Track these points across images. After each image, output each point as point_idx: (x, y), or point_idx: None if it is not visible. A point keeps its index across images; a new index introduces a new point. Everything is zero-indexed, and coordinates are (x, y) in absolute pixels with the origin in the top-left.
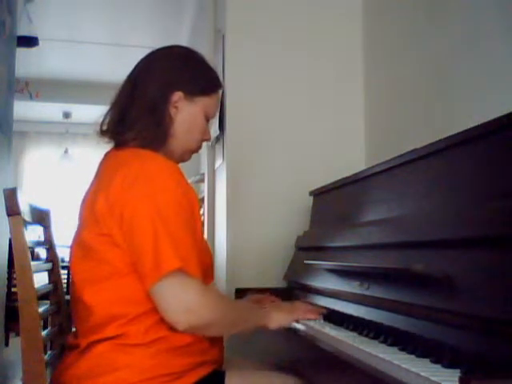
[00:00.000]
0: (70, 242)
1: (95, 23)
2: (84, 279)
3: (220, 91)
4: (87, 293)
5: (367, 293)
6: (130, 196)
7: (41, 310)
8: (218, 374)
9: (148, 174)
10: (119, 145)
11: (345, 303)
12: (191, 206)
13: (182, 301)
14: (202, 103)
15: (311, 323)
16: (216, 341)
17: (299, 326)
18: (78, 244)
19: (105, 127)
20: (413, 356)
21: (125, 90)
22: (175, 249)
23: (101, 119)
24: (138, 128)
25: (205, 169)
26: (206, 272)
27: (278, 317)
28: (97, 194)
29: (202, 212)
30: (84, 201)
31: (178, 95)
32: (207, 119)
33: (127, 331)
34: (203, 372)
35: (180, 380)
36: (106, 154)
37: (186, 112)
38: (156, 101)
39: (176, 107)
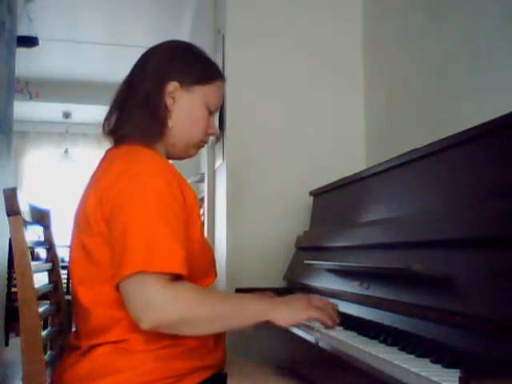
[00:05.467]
0: (69, 243)
1: (95, 23)
2: (81, 281)
3: (221, 82)
4: (84, 295)
5: (367, 293)
6: (113, 192)
7: (41, 310)
8: (219, 377)
9: (134, 170)
10: (117, 142)
11: (345, 303)
12: (182, 206)
13: (143, 298)
14: (201, 93)
15: (310, 324)
16: (219, 344)
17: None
18: (75, 245)
19: (106, 127)
20: (413, 356)
21: (122, 88)
22: (144, 247)
23: (102, 121)
24: (134, 121)
25: (205, 169)
26: (207, 271)
27: (288, 313)
28: (88, 193)
29: (202, 212)
30: (79, 201)
31: (173, 85)
32: (209, 111)
33: (129, 338)
34: (205, 375)
35: (181, 382)
36: (106, 152)
37: (184, 102)
38: (150, 92)
39: (173, 98)
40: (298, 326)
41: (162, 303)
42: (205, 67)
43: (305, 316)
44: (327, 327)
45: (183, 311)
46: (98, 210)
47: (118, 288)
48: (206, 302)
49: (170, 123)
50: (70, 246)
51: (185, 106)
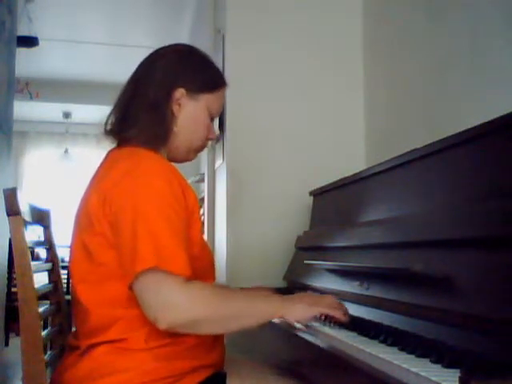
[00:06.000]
0: (69, 242)
1: (95, 23)
2: (81, 280)
3: (224, 89)
4: (84, 294)
5: (367, 293)
6: (117, 193)
7: (41, 310)
8: (218, 376)
9: (137, 171)
10: (121, 143)
11: (345, 303)
12: (184, 206)
13: (159, 298)
14: (206, 100)
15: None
16: (217, 344)
17: (298, 326)
18: (76, 245)
19: (108, 127)
20: (413, 356)
21: (127, 90)
22: (153, 246)
23: (104, 120)
24: (140, 125)
25: (205, 169)
26: (206, 272)
27: (298, 308)
28: (90, 193)
29: (202, 212)
30: (81, 201)
31: (180, 92)
32: (211, 117)
33: (128, 337)
34: (204, 374)
35: (180, 382)
36: (108, 153)
37: (189, 109)
38: (158, 98)
39: (179, 104)
40: (309, 321)
41: (178, 304)
42: (211, 75)
43: (315, 311)
44: (340, 322)
45: (200, 311)
46: (100, 210)
47: (130, 288)
48: (222, 301)
49: (175, 129)
50: (70, 246)
51: (189, 112)
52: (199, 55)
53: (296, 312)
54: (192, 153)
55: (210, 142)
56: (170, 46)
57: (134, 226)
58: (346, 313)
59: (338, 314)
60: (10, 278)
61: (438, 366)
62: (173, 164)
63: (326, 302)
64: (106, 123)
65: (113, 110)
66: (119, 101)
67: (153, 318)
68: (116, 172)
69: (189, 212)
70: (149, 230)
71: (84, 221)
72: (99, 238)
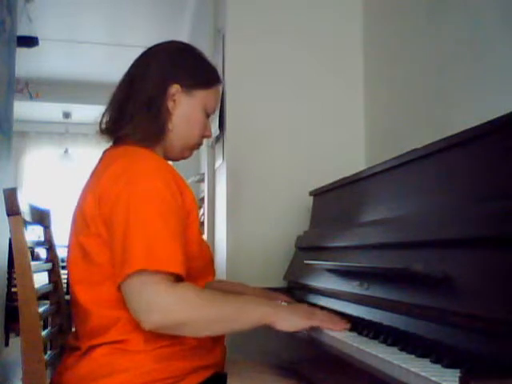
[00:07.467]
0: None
1: (95, 23)
2: (79, 281)
3: (220, 86)
4: (82, 295)
5: (367, 293)
6: (112, 193)
7: (41, 310)
8: (219, 377)
9: (133, 171)
10: (116, 142)
11: (344, 303)
12: (181, 206)
13: (145, 300)
14: (201, 97)
15: None
16: (217, 344)
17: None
18: (72, 246)
19: (103, 126)
20: (413, 356)
21: (122, 88)
22: (145, 247)
23: (99, 119)
24: (135, 123)
25: (205, 169)
26: (205, 270)
27: (290, 318)
28: (86, 193)
29: (201, 212)
30: (77, 202)
31: (175, 88)
32: (207, 114)
33: (128, 338)
34: (204, 375)
35: (181, 383)
36: (104, 152)
37: (184, 105)
38: (153, 94)
39: (174, 100)
40: (297, 332)
41: (164, 305)
42: (206, 71)
43: (307, 324)
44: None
45: (186, 314)
46: (96, 211)
47: (119, 288)
48: (208, 304)
49: (170, 126)
50: (67, 246)
51: (185, 109)
52: (193, 52)
53: (287, 322)
54: (187, 151)
55: (206, 140)
56: (163, 44)
57: (127, 226)
58: (339, 324)
59: (330, 327)
60: (10, 278)
61: (437, 366)
62: (170, 163)
63: (320, 318)
64: (100, 122)
65: (107, 108)
66: (114, 99)
67: (138, 319)
68: (112, 171)
69: (186, 211)
70: (143, 230)
71: (80, 222)
72: (95, 238)
